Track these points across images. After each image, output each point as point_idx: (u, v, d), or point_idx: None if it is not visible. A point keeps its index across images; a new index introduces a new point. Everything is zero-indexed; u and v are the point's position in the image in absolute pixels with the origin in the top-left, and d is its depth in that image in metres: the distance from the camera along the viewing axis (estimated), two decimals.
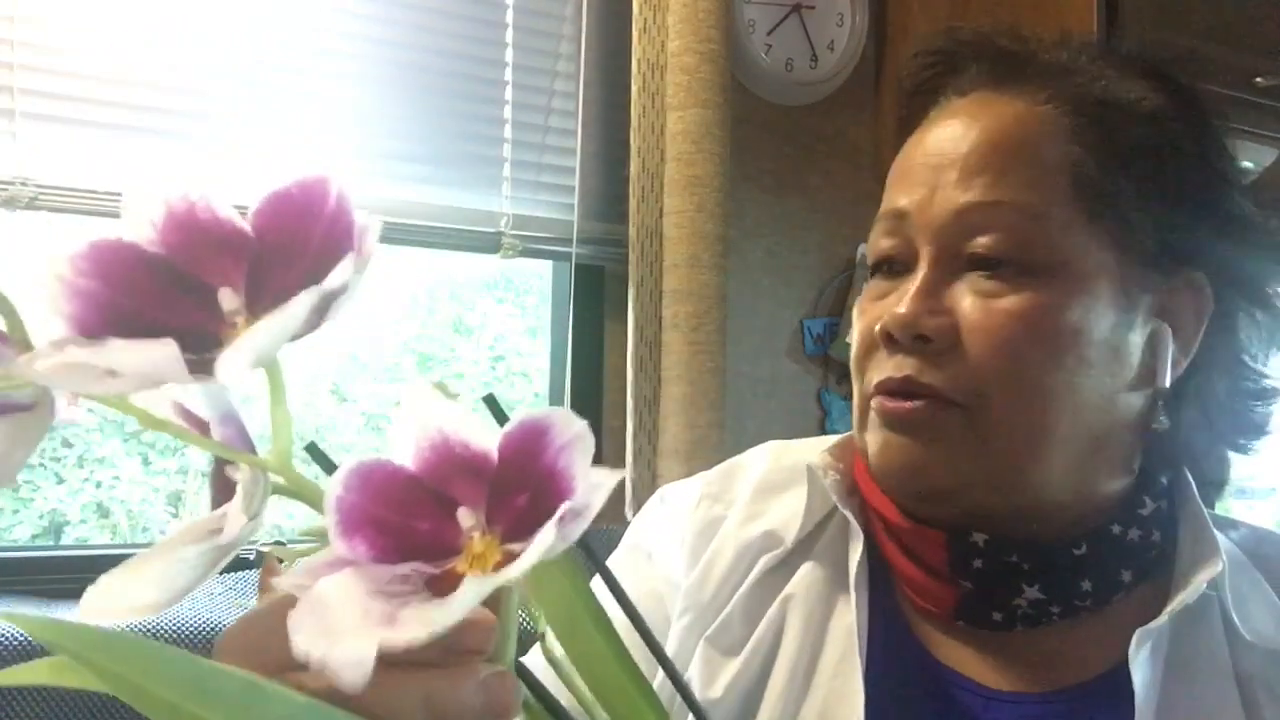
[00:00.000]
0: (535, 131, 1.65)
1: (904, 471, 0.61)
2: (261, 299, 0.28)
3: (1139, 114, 0.62)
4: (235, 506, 0.29)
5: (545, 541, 0.27)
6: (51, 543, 2.40)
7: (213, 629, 1.15)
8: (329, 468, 0.33)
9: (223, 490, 0.31)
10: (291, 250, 0.29)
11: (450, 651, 0.30)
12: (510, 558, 0.28)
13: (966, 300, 0.59)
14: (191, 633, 1.14)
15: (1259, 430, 0.67)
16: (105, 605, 0.28)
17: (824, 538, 0.67)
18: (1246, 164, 1.69)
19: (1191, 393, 0.64)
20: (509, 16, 1.63)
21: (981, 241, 0.59)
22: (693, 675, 0.64)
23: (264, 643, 0.30)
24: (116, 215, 0.29)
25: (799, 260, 1.86)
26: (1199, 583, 0.59)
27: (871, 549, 0.65)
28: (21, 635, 1.09)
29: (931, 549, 0.63)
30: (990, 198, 0.60)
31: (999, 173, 0.60)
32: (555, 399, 1.67)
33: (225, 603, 1.20)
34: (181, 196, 0.29)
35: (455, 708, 0.29)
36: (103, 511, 2.47)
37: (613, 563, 0.73)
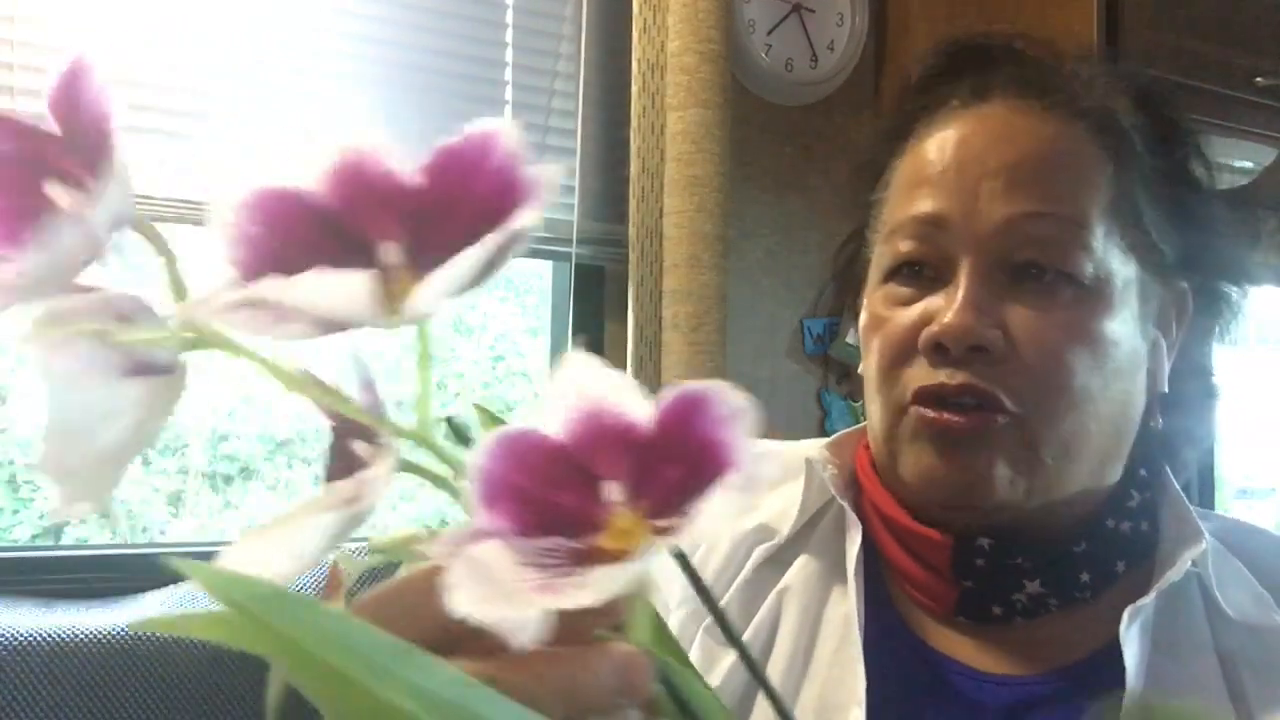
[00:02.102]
0: (535, 131, 1.65)
1: (959, 488, 0.61)
2: (423, 254, 0.28)
3: (1146, 134, 0.64)
4: (379, 472, 0.28)
5: (722, 504, 0.26)
6: (51, 543, 2.40)
7: None
8: (467, 443, 0.32)
9: (342, 463, 0.30)
10: (455, 206, 0.28)
11: (587, 628, 0.29)
12: (660, 533, 0.27)
13: (1017, 311, 0.60)
14: None
15: (1212, 426, 0.72)
16: (245, 566, 0.27)
17: (818, 531, 0.69)
18: (1246, 164, 1.69)
19: (1171, 394, 0.67)
20: (509, 16, 1.63)
21: (1030, 252, 0.60)
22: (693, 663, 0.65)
23: (403, 618, 0.29)
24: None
25: (799, 260, 1.86)
26: (1185, 560, 0.61)
27: (866, 540, 0.67)
28: (21, 634, 1.09)
29: (936, 552, 0.64)
30: (1040, 209, 0.60)
31: (1046, 185, 0.61)
32: None
33: None
34: (354, 146, 0.29)
35: (591, 690, 0.29)
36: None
37: None
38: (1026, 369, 0.59)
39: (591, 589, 0.25)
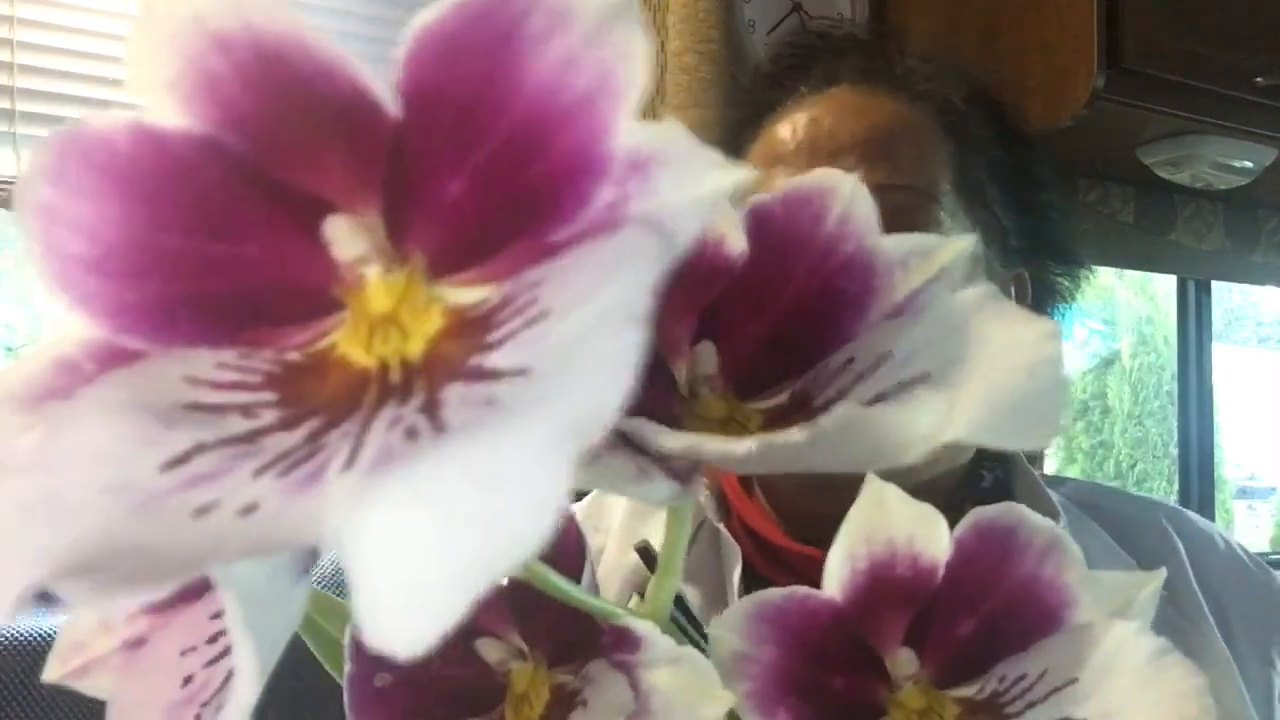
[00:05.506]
0: None
1: (832, 488, 0.60)
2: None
3: (984, 126, 0.68)
4: (660, 679, 0.22)
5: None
6: None
7: None
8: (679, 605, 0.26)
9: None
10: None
11: None
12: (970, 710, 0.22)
13: None
14: None
15: None
16: None
17: (691, 557, 0.67)
18: (1246, 164, 1.69)
19: None
20: None
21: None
22: None
23: None
24: None
25: None
26: None
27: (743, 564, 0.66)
28: (21, 634, 1.09)
29: (814, 569, 0.63)
30: (894, 181, 0.62)
31: (897, 159, 0.63)
32: None
33: None
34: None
35: None
36: None
37: None
38: None
39: None
